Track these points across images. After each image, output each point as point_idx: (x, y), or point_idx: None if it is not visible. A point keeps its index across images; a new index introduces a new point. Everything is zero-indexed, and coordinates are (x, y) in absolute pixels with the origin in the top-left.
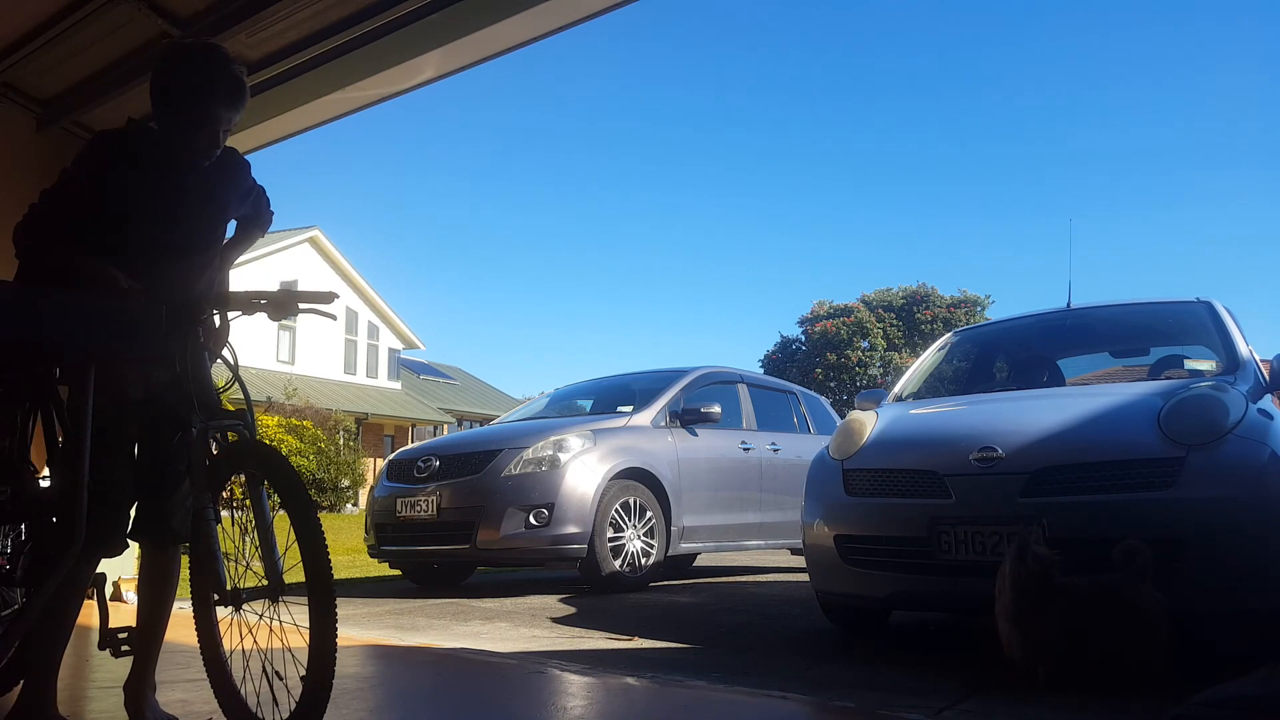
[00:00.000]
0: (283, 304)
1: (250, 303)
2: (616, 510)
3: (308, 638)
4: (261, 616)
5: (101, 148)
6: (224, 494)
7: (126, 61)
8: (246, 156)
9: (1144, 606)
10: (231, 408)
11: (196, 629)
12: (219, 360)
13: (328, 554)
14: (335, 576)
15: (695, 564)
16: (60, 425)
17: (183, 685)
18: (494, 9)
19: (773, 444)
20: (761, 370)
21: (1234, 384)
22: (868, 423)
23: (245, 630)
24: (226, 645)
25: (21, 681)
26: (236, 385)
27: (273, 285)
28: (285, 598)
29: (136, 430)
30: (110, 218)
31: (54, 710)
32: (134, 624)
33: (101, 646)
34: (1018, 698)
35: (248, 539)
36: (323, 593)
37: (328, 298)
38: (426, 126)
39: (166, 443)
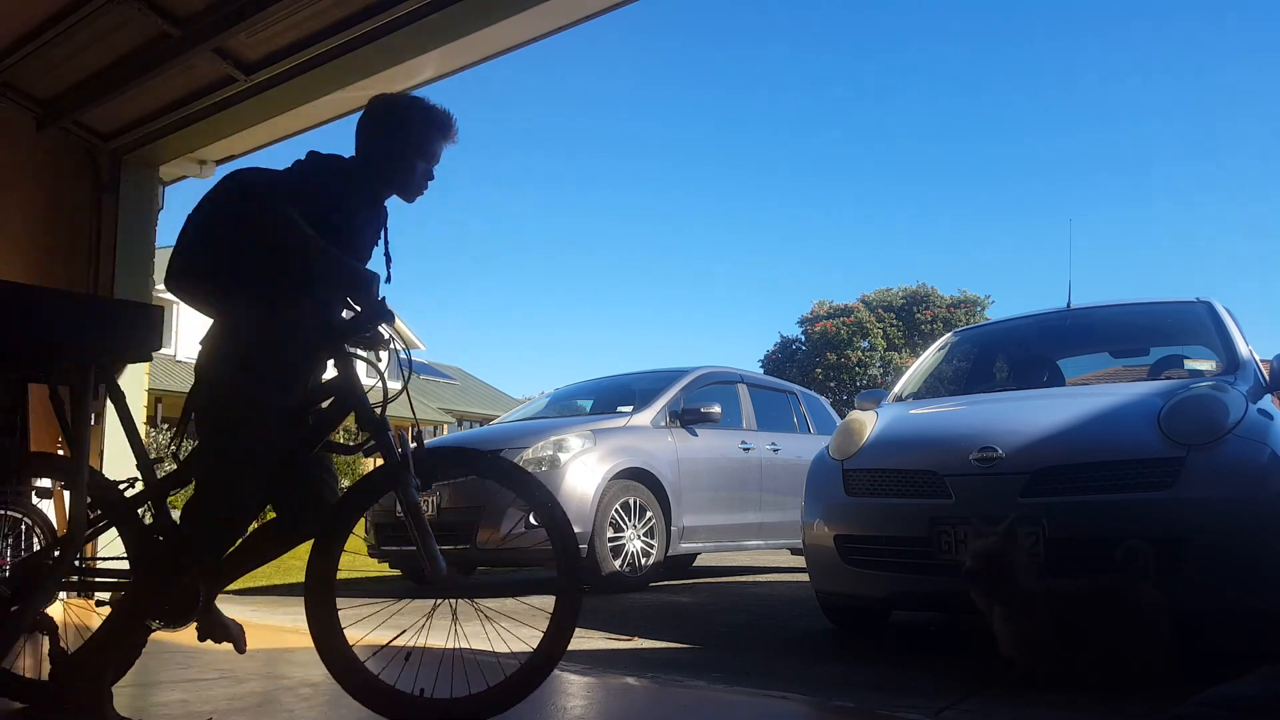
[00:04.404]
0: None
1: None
2: (616, 510)
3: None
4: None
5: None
6: None
7: (126, 61)
8: (246, 157)
9: (1144, 606)
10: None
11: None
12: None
13: None
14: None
15: (695, 564)
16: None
17: (183, 685)
18: (494, 9)
19: (773, 444)
20: (761, 370)
21: (1234, 384)
22: (868, 423)
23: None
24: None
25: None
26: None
27: None
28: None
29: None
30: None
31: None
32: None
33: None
34: (1018, 698)
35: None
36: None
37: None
38: None
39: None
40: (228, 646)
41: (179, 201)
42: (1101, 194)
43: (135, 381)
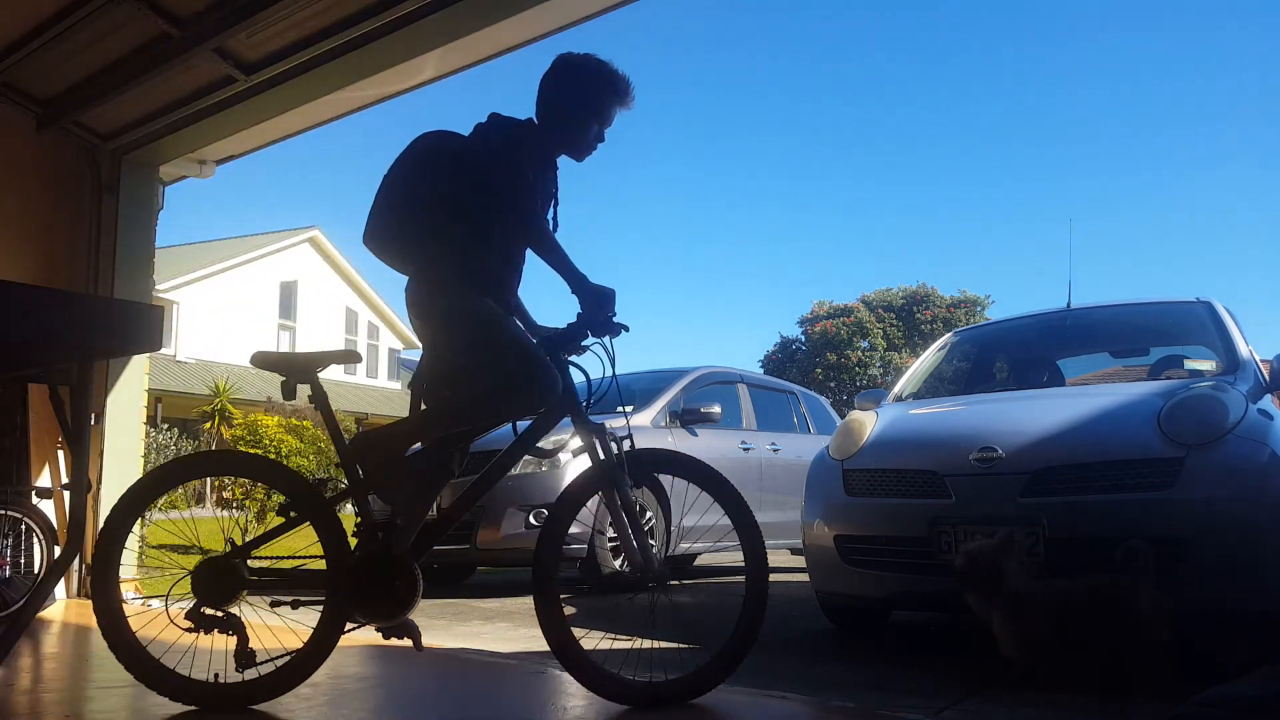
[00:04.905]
0: None
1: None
2: None
3: None
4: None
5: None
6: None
7: (126, 61)
8: (244, 157)
9: (1144, 607)
10: None
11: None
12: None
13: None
14: None
15: (695, 564)
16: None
17: None
18: (494, 9)
19: (773, 444)
20: (761, 370)
21: (1234, 384)
22: (868, 423)
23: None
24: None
25: None
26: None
27: (273, 285)
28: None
29: None
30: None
31: None
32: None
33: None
34: (1018, 698)
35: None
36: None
37: None
38: (424, 123)
39: None
40: (228, 646)
41: (179, 201)
42: (1102, 194)
43: (135, 381)
